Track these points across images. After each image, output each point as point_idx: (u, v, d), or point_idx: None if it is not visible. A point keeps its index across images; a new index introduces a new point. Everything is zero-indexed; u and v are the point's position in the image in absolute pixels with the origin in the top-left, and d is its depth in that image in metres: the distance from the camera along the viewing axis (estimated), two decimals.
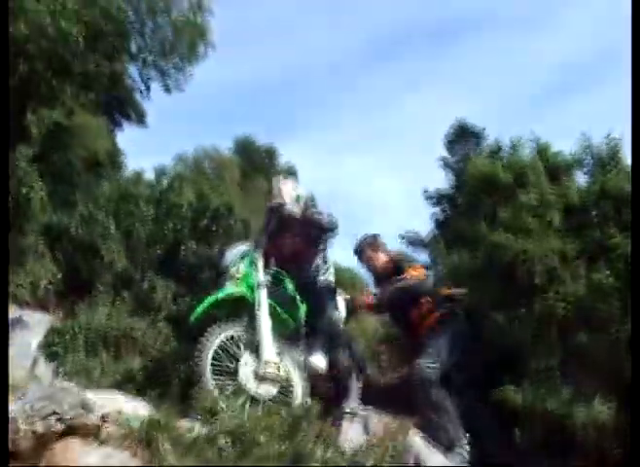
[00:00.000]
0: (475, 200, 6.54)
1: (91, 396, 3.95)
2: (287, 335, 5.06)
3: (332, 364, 5.00)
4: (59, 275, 7.22)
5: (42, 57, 7.66)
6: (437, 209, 14.80)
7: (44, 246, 7.40)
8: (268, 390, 4.46)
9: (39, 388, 3.45)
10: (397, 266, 5.60)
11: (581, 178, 6.60)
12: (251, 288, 4.94)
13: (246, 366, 4.50)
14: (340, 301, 5.62)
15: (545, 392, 5.09)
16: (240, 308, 4.90)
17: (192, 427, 3.23)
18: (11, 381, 3.72)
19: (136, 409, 3.99)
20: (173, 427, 3.52)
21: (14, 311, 6.96)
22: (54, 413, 3.25)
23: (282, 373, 4.55)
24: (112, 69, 8.28)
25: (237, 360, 4.52)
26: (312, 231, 5.35)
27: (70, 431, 3.34)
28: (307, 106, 67.44)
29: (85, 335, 6.47)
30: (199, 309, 4.89)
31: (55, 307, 7.26)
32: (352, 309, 5.81)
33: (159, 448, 3.31)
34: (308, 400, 4.48)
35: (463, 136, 19.56)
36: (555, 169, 6.61)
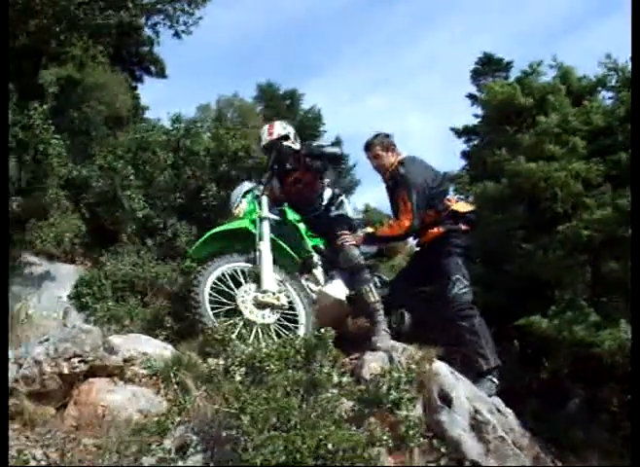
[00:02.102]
0: (494, 128, 6.37)
1: (117, 339, 4.03)
2: (296, 267, 5.06)
3: (357, 298, 4.99)
4: (83, 228, 7.31)
5: (48, 13, 7.56)
6: (466, 145, 14.54)
7: (66, 200, 7.48)
8: (267, 316, 4.48)
9: (60, 331, 3.52)
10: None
11: (605, 101, 6.37)
12: (254, 223, 4.93)
13: (246, 294, 4.51)
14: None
15: (572, 319, 4.99)
16: (248, 244, 4.90)
17: (211, 362, 3.28)
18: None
19: (160, 350, 4.04)
20: (195, 364, 3.59)
21: (42, 266, 7.13)
22: (76, 354, 3.31)
23: (282, 301, 4.54)
24: (120, 19, 8.12)
25: (236, 291, 4.53)
26: (315, 163, 5.32)
27: (94, 372, 3.43)
28: (329, 47, 66.38)
29: (112, 284, 6.57)
30: (198, 243, 4.94)
31: (82, 259, 7.38)
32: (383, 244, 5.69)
33: (182, 384, 3.37)
34: (313, 327, 4.47)
35: (490, 69, 19.10)
36: (579, 93, 6.39)
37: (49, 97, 8.68)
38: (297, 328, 4.54)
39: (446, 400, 4.00)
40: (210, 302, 4.39)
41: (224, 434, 2.58)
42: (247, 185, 5.44)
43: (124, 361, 3.69)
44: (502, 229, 5.91)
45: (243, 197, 5.25)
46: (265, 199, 5.07)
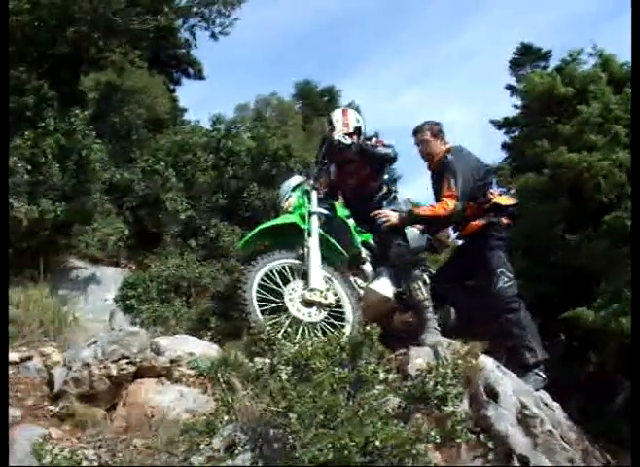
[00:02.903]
0: (535, 119, 6.27)
1: (163, 340, 4.11)
2: (344, 263, 5.01)
3: (406, 294, 4.95)
4: (126, 231, 7.44)
5: (86, 20, 7.71)
6: (506, 137, 14.29)
7: (109, 204, 7.62)
8: (314, 314, 4.44)
9: (108, 334, 3.60)
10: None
11: None
12: (303, 218, 4.86)
13: (293, 291, 4.48)
14: (416, 231, 5.49)
15: (618, 311, 4.89)
16: (296, 240, 4.82)
17: (258, 361, 3.31)
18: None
19: (206, 350, 4.10)
20: (242, 363, 3.62)
21: (87, 269, 7.29)
22: (124, 356, 3.38)
23: (329, 299, 4.50)
24: (156, 23, 8.23)
25: (284, 288, 4.49)
26: (372, 162, 5.24)
27: (141, 373, 3.50)
28: (366, 43, 65.99)
29: (157, 285, 6.68)
30: (247, 237, 4.90)
31: (127, 262, 7.52)
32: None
33: (228, 384, 3.41)
34: (360, 325, 4.44)
35: (528, 59, 18.78)
36: (620, 80, 6.24)
37: (89, 103, 8.83)
38: (343, 326, 4.51)
39: (493, 394, 3.96)
40: (258, 299, 4.37)
41: (271, 432, 2.60)
42: (297, 178, 5.37)
43: (171, 362, 3.76)
44: (545, 221, 5.83)
45: (292, 190, 5.18)
46: (314, 194, 5.00)
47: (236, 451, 2.57)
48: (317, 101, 29.89)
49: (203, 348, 4.15)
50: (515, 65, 18.54)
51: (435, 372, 3.03)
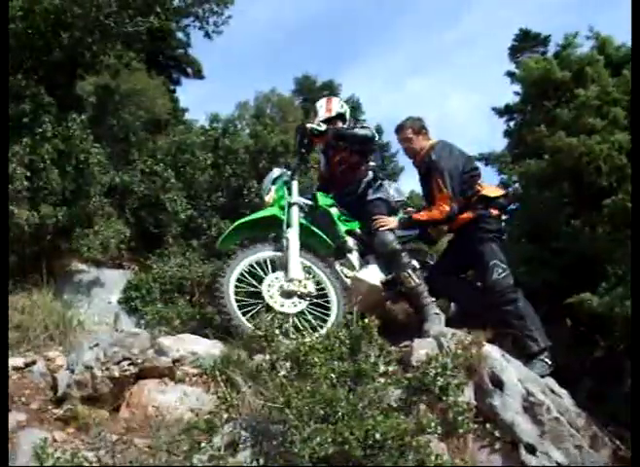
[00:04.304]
0: (533, 105, 6.22)
1: (167, 340, 4.11)
2: (329, 252, 4.98)
3: (397, 283, 4.92)
4: (128, 233, 7.45)
5: (79, 25, 7.70)
6: (508, 124, 14.16)
7: (110, 207, 7.64)
8: (294, 305, 4.43)
9: (109, 336, 3.60)
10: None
11: None
12: (283, 209, 4.84)
13: (272, 283, 4.46)
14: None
15: (623, 295, 4.84)
16: (280, 232, 4.80)
17: (258, 358, 3.30)
18: None
19: (210, 348, 4.09)
20: (244, 361, 3.62)
21: (90, 273, 7.31)
22: (125, 358, 3.39)
23: (309, 288, 4.49)
24: (150, 25, 8.22)
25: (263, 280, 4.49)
26: (354, 146, 5.18)
27: (144, 373, 3.50)
28: (365, 34, 65.85)
29: (160, 286, 6.70)
30: (224, 234, 4.91)
31: (129, 264, 7.54)
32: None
33: (231, 381, 3.41)
34: (345, 313, 4.43)
35: (527, 45, 18.68)
36: (618, 62, 6.18)
37: (87, 107, 8.83)
38: (328, 315, 4.50)
39: (498, 383, 3.94)
40: (236, 294, 4.37)
41: (272, 429, 2.60)
42: (277, 171, 5.36)
43: (174, 361, 3.76)
44: (548, 207, 5.78)
45: (273, 183, 5.17)
46: (294, 185, 4.99)
47: (238, 449, 2.57)
48: (317, 96, 29.83)
49: (207, 347, 4.15)
50: (514, 51, 18.43)
51: (435, 362, 3.01)
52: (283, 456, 2.43)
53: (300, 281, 4.48)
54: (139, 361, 3.46)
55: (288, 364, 2.76)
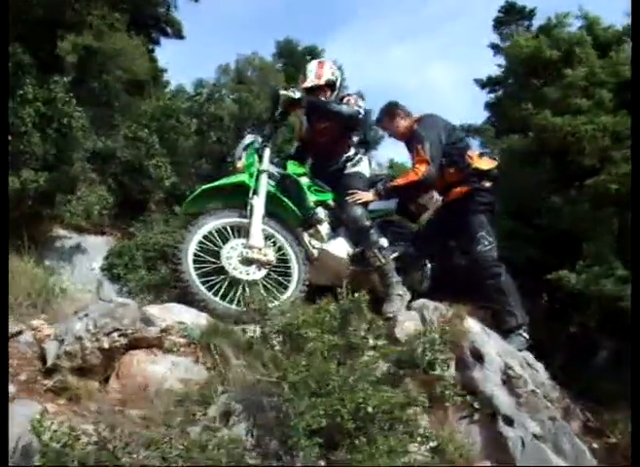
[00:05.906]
0: (520, 81, 6.26)
1: (153, 309, 4.11)
2: (298, 222, 4.88)
3: (365, 258, 4.79)
4: (111, 199, 7.38)
5: None
6: (490, 96, 14.16)
7: (92, 172, 7.55)
8: (252, 272, 4.38)
9: (99, 306, 3.59)
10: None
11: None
12: (253, 176, 4.73)
13: (232, 250, 4.40)
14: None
15: (599, 274, 4.98)
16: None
17: (249, 329, 3.34)
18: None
19: (196, 318, 4.11)
20: (232, 331, 3.66)
21: (72, 239, 7.26)
22: (115, 329, 3.40)
23: (269, 256, 4.43)
24: None
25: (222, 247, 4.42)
26: (339, 121, 5.02)
27: (134, 344, 3.50)
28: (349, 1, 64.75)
29: (143, 253, 6.67)
30: (189, 199, 4.80)
31: (112, 230, 7.49)
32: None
33: (220, 352, 3.45)
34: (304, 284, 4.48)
35: (512, 18, 18.62)
36: (605, 44, 6.23)
37: (68, 68, 8.65)
38: (289, 282, 4.49)
39: (479, 356, 4.06)
40: (195, 261, 4.30)
41: (265, 401, 2.65)
42: (249, 138, 5.18)
43: (162, 331, 3.75)
44: (530, 183, 5.87)
45: (244, 150, 5.02)
46: (267, 152, 4.86)
47: (231, 421, 2.62)
48: (299, 61, 29.41)
49: (193, 316, 4.14)
50: (499, 23, 18.38)
51: (423, 338, 3.08)
52: (278, 429, 2.49)
53: (260, 249, 4.43)
54: (129, 332, 3.45)
55: (280, 338, 2.81)
